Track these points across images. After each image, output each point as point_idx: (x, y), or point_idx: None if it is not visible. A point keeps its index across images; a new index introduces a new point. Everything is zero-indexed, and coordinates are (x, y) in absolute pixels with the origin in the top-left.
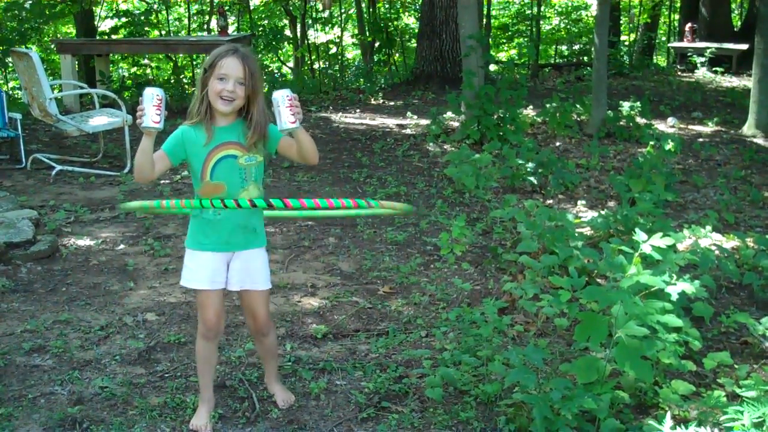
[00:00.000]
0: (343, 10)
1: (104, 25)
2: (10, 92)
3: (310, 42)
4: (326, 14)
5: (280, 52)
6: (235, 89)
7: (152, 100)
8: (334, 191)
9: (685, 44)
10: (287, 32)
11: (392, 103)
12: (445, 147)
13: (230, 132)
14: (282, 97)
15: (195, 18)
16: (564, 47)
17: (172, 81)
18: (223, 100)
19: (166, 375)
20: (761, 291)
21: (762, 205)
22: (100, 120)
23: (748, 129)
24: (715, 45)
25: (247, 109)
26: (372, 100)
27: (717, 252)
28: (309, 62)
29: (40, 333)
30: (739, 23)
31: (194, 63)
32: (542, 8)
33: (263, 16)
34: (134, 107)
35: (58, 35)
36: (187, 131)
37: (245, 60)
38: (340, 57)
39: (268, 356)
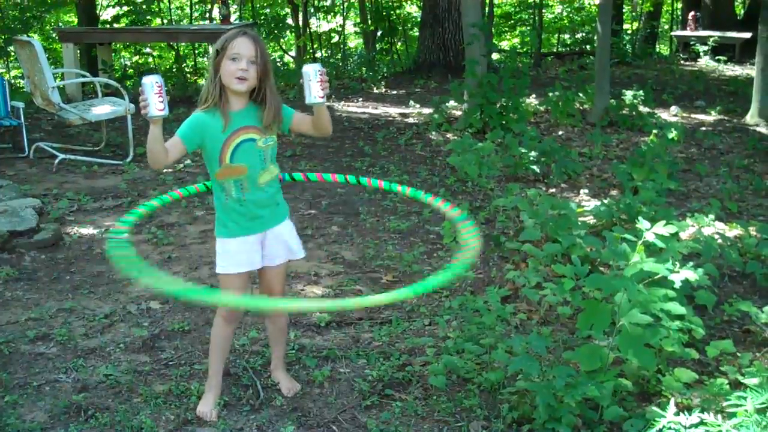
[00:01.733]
0: None
1: (106, 14)
2: (13, 81)
3: (312, 31)
4: (328, 3)
5: (282, 40)
6: (248, 68)
7: (153, 88)
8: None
9: (688, 33)
10: (289, 21)
11: (395, 92)
12: (447, 136)
13: (246, 116)
14: (314, 71)
15: (197, 7)
16: (567, 36)
17: (174, 70)
18: (238, 80)
19: (171, 363)
20: (764, 279)
21: (765, 194)
22: (102, 109)
23: (750, 118)
24: (718, 34)
25: (259, 90)
26: (374, 89)
27: (720, 240)
28: (311, 51)
29: (45, 321)
30: (742, 12)
31: (196, 52)
32: None
33: (265, 4)
34: (136, 97)
35: (60, 24)
36: (203, 117)
37: (256, 40)
38: (342, 46)
39: (278, 339)
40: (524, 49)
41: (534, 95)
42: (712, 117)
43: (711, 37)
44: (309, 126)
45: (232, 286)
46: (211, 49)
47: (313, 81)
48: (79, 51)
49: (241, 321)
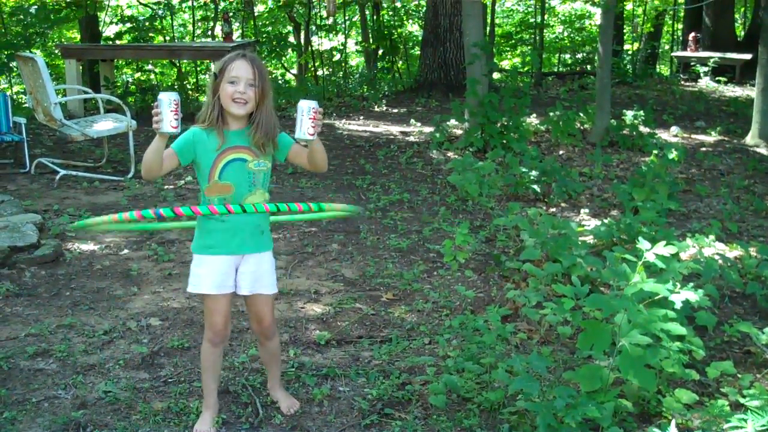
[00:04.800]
0: (347, 18)
1: (109, 31)
2: (15, 97)
3: (314, 49)
4: (330, 21)
5: (284, 58)
6: (246, 91)
7: (170, 105)
8: (338, 197)
9: (688, 54)
10: (291, 39)
11: (396, 111)
12: (448, 154)
13: (241, 136)
14: (308, 108)
15: (199, 24)
16: (567, 56)
17: (176, 87)
18: (236, 103)
19: (170, 380)
20: (764, 300)
21: (765, 214)
22: (104, 125)
23: (751, 139)
24: (719, 54)
25: (258, 112)
26: (375, 107)
27: (720, 261)
28: (313, 69)
29: (44, 337)
30: (743, 33)
31: (198, 69)
32: (546, 17)
33: (267, 22)
34: (138, 113)
35: (63, 40)
36: (199, 133)
37: (254, 62)
38: (343, 64)
39: (272, 361)
40: (525, 69)
41: (535, 115)
42: (712, 138)
43: (711, 58)
44: (305, 160)
45: (210, 309)
46: (213, 67)
47: (305, 117)
48: (81, 67)
49: (240, 339)
